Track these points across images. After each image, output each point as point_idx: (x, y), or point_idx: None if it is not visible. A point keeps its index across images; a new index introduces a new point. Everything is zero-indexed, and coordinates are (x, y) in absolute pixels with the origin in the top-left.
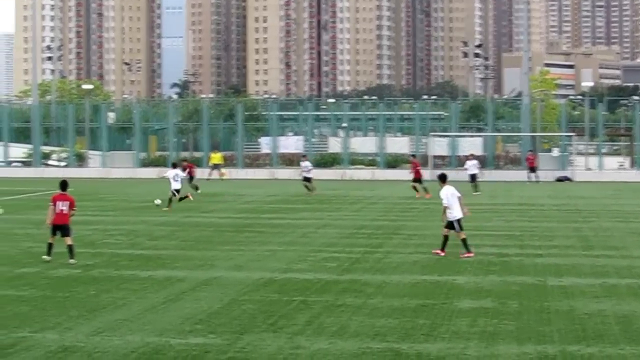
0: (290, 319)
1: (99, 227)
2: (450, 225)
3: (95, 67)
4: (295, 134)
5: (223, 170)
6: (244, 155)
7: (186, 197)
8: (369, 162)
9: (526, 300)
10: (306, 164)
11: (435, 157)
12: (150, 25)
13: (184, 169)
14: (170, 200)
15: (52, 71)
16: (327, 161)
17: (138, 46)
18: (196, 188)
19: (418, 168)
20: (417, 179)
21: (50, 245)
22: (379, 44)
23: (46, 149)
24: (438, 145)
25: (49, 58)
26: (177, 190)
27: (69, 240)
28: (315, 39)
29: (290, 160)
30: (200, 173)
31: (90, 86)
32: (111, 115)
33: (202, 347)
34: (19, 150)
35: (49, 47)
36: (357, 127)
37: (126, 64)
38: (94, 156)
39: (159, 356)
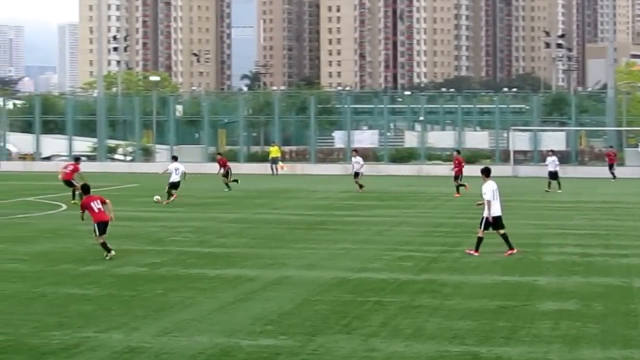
0: (365, 320)
1: (166, 224)
2: (486, 225)
3: (163, 58)
4: (370, 127)
5: (281, 163)
6: (316, 149)
7: (172, 195)
8: (447, 157)
9: (611, 303)
10: (357, 158)
11: (516, 152)
12: (219, 14)
13: (218, 164)
14: (169, 194)
15: (118, 62)
16: (403, 156)
17: (207, 36)
18: (236, 181)
19: (461, 165)
20: (457, 175)
21: (104, 245)
22: (457, 34)
23: (112, 142)
24: (519, 140)
25: (115, 49)
26: (175, 185)
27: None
28: (390, 28)
29: (365, 156)
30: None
31: (157, 78)
32: (179, 108)
33: (273, 349)
34: (83, 144)
35: (114, 38)
36: (435, 120)
37: (194, 54)
38: (161, 150)
39: (228, 358)
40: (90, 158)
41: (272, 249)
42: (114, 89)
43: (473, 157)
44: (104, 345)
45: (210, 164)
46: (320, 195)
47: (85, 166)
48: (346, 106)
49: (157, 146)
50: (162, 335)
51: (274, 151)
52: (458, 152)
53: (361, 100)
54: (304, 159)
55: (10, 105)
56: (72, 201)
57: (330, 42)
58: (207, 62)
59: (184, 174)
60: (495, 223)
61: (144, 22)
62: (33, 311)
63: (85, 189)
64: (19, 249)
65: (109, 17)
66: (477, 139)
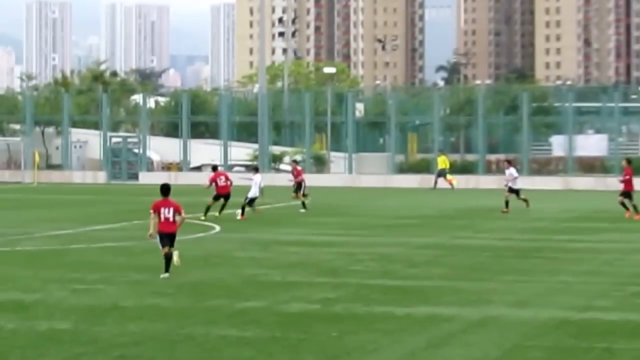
0: None
1: (343, 250)
2: None
3: (340, 46)
4: (597, 131)
5: (450, 176)
6: (530, 158)
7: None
8: None
9: None
10: (510, 170)
11: None
12: None
13: (292, 174)
14: (245, 207)
15: (285, 50)
16: (638, 167)
17: (394, 18)
18: (305, 195)
19: (628, 177)
20: (627, 192)
21: (167, 257)
22: None
23: (276, 149)
24: None
25: (281, 34)
26: (253, 200)
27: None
28: (623, 8)
29: (591, 166)
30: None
31: (333, 69)
32: (359, 107)
33: None
34: (242, 151)
35: (280, 20)
36: None
37: (379, 41)
38: (337, 159)
39: None
40: (249, 168)
41: (475, 282)
42: (279, 84)
43: None
44: None
45: (398, 176)
46: (535, 216)
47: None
48: (567, 105)
49: (333, 154)
50: None
51: (442, 162)
52: (629, 161)
53: (586, 97)
54: (518, 170)
55: (152, 103)
56: (202, 217)
57: (547, 25)
58: (394, 50)
59: (261, 189)
60: None
61: (317, 1)
62: (178, 356)
63: (164, 190)
64: (162, 281)
65: None
66: None
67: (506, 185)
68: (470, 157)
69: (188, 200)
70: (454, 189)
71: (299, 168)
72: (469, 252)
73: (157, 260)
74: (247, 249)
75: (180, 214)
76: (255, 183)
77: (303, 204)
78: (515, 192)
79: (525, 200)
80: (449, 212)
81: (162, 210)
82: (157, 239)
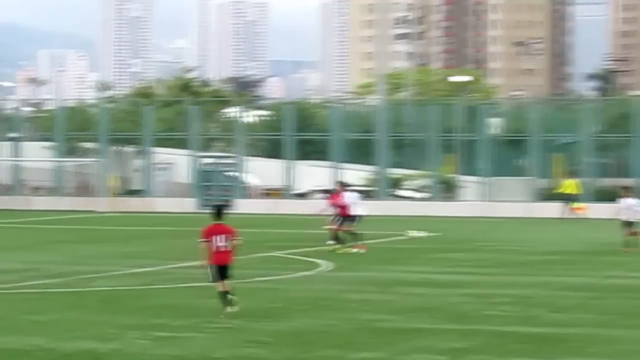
0: None
1: (474, 292)
2: None
3: (473, 50)
4: None
5: (579, 204)
6: None
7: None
8: None
9: None
10: (630, 201)
11: None
12: None
13: (328, 201)
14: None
15: (408, 55)
16: None
17: (537, 17)
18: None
19: None
20: None
21: (223, 295)
22: None
23: (396, 172)
24: None
25: (403, 36)
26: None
27: (227, 286)
28: None
29: None
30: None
31: (465, 78)
32: (496, 123)
33: None
34: (355, 174)
35: (403, 20)
36: None
37: (519, 44)
38: (469, 184)
39: None
40: (365, 194)
41: (629, 330)
42: (401, 95)
43: None
44: None
45: (540, 204)
46: None
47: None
48: None
49: (464, 178)
50: None
51: (569, 186)
52: None
53: None
54: None
55: (250, 118)
56: (330, 247)
57: None
58: (538, 54)
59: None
60: None
61: None
62: None
63: (216, 212)
64: (261, 327)
65: None
66: None
67: (621, 218)
68: (627, 182)
69: (291, 232)
70: (580, 219)
71: (337, 194)
72: (622, 294)
73: (254, 303)
74: (361, 290)
75: (234, 237)
76: (357, 197)
77: (337, 237)
78: (630, 225)
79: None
80: (599, 247)
81: (214, 238)
82: (209, 271)
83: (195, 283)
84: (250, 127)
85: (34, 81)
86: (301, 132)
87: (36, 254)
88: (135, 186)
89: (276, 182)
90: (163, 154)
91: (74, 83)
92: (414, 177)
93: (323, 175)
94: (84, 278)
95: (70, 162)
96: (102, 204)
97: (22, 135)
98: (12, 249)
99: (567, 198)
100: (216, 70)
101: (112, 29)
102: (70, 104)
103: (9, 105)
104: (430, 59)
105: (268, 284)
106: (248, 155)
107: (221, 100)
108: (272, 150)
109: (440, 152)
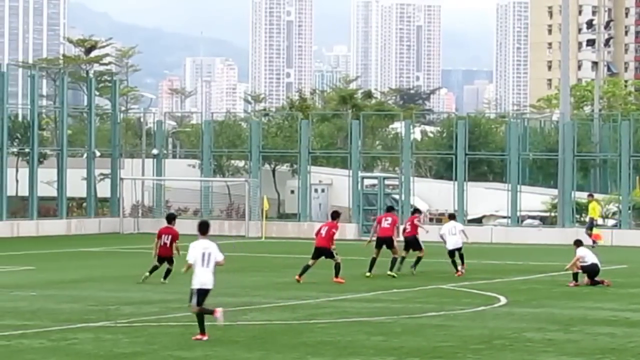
0: None
1: None
2: None
3: None
4: None
5: (597, 231)
6: None
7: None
8: None
9: None
10: None
11: None
12: None
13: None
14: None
15: (595, 64)
16: None
17: None
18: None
19: None
20: None
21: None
22: None
23: (581, 196)
24: None
25: (590, 42)
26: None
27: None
28: None
29: None
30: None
31: None
32: None
33: None
34: (536, 198)
35: (590, 25)
36: None
37: None
38: None
39: None
40: (545, 221)
41: None
42: (588, 109)
43: None
44: None
45: None
46: None
47: (537, 236)
48: None
49: None
50: None
51: (593, 209)
52: None
53: None
54: None
55: (417, 134)
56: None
57: None
58: None
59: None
60: None
61: None
62: None
63: (168, 218)
64: None
65: None
66: None
67: None
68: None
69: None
70: (595, 246)
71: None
72: None
73: (423, 341)
74: (541, 328)
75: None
76: (454, 228)
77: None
78: None
79: None
80: None
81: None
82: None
83: (358, 317)
84: (417, 144)
85: (178, 92)
86: (475, 151)
87: (181, 283)
88: (290, 209)
89: (446, 206)
90: (321, 174)
91: (222, 94)
92: (603, 202)
93: (499, 199)
94: (233, 310)
95: (218, 181)
96: (253, 229)
97: (165, 152)
98: (154, 277)
99: (591, 223)
100: (379, 80)
101: (263, 35)
102: (218, 117)
103: (152, 119)
104: (621, 68)
105: (439, 319)
106: (415, 176)
107: (385, 115)
108: (442, 171)
109: (632, 174)
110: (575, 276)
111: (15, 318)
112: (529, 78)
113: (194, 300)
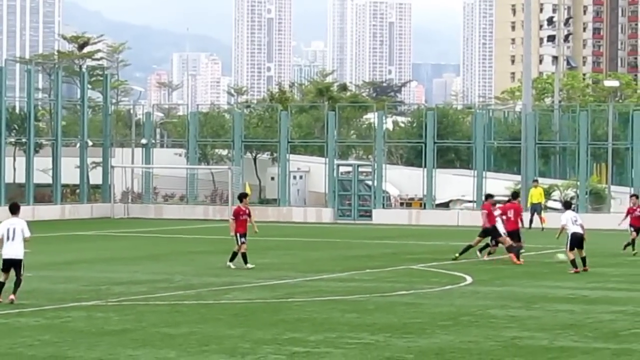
0: None
1: (626, 309)
2: None
3: (625, 52)
4: None
5: (544, 215)
6: None
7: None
8: None
9: None
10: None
11: None
12: None
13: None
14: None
15: (555, 59)
16: None
17: None
18: (517, 252)
19: None
20: None
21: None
22: None
23: (543, 182)
24: None
25: (551, 38)
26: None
27: None
28: None
29: None
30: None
31: (616, 82)
32: None
33: None
34: (498, 184)
35: (550, 21)
36: None
37: None
38: (620, 195)
39: None
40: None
41: None
42: (548, 100)
43: None
44: None
45: None
46: None
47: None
48: None
49: (615, 188)
50: None
51: (536, 195)
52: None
53: None
54: None
55: (389, 124)
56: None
57: None
58: None
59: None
60: None
61: None
62: None
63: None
64: (401, 343)
65: None
66: None
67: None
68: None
69: (431, 244)
70: (544, 229)
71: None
72: None
73: (394, 318)
74: (505, 305)
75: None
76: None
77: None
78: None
79: None
80: None
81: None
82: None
83: (333, 296)
84: (389, 134)
85: (166, 85)
86: (443, 139)
87: (167, 264)
88: (270, 195)
89: (416, 191)
90: (299, 162)
91: (207, 87)
92: (560, 187)
93: (465, 184)
94: (217, 290)
95: (203, 169)
96: None
97: (153, 141)
98: (143, 258)
99: (533, 208)
100: (354, 74)
101: (245, 31)
102: (203, 109)
103: (141, 111)
104: (580, 62)
105: (409, 298)
106: (387, 164)
107: (360, 106)
108: (412, 159)
109: (589, 161)
110: (573, 263)
111: None
112: (494, 71)
113: None
